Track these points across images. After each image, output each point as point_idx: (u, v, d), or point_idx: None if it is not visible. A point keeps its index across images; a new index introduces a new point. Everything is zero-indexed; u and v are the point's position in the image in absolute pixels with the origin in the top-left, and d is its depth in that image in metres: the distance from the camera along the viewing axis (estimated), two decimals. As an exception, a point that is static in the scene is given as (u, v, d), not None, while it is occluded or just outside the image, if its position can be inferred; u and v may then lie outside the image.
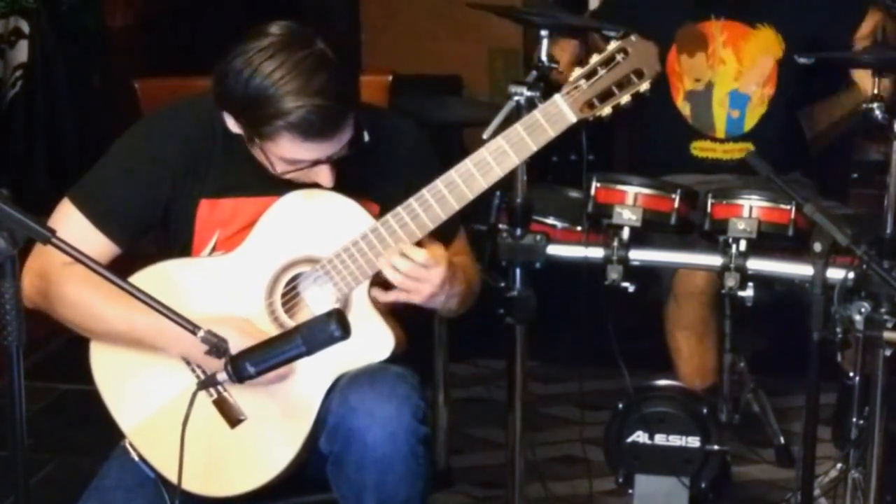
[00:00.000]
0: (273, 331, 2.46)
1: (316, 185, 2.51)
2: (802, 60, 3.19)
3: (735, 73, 3.73)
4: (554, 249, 2.90)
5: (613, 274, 2.90)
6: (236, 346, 2.25)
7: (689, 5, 3.76)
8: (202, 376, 2.48)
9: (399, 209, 2.47)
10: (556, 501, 3.56)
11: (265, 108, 2.38)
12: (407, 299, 2.50)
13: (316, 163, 2.44)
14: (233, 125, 2.48)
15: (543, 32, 2.87)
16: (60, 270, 2.47)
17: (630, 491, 3.21)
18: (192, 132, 2.56)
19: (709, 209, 3.02)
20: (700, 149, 3.76)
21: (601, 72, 2.50)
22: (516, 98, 2.73)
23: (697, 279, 3.43)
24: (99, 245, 2.50)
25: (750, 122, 3.74)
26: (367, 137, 2.49)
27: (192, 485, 2.44)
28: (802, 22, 3.68)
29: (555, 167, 4.22)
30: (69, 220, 2.51)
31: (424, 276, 2.47)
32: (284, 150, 2.42)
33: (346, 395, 2.43)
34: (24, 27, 5.17)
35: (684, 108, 3.76)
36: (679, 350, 3.53)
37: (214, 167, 2.56)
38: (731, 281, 2.89)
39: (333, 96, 2.38)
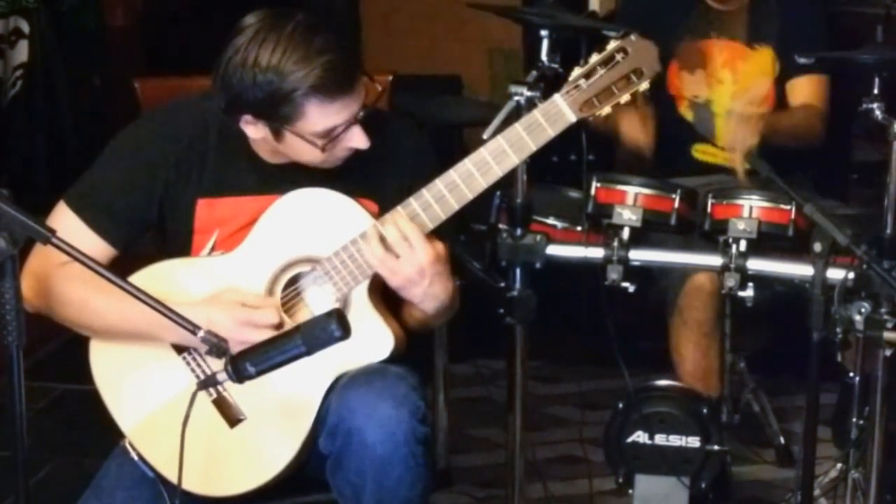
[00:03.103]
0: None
1: (317, 184, 2.51)
2: (802, 61, 3.20)
3: (731, 93, 3.74)
4: (554, 249, 2.90)
5: (613, 274, 2.90)
6: (234, 326, 2.36)
7: (692, 21, 3.76)
8: (202, 376, 2.48)
9: (399, 208, 2.47)
10: (556, 501, 3.56)
11: (281, 89, 2.38)
12: (387, 278, 2.47)
13: (347, 126, 2.44)
14: (253, 131, 2.48)
15: (543, 32, 2.87)
16: (56, 270, 2.48)
17: (630, 491, 3.21)
18: (185, 131, 2.56)
19: (709, 209, 3.02)
20: (702, 152, 3.76)
21: (601, 71, 2.50)
22: (516, 98, 2.73)
23: (703, 295, 3.43)
24: (94, 246, 2.50)
25: None
26: (378, 88, 2.50)
27: (191, 484, 2.44)
28: (801, 43, 3.68)
29: (555, 167, 4.21)
30: (64, 222, 2.51)
31: (407, 254, 2.45)
32: (316, 121, 2.42)
33: (346, 395, 2.43)
34: (24, 27, 5.17)
35: (687, 114, 3.76)
36: (684, 364, 3.51)
37: (210, 166, 2.56)
38: (731, 281, 2.89)
39: (338, 49, 2.41)
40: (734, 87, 3.74)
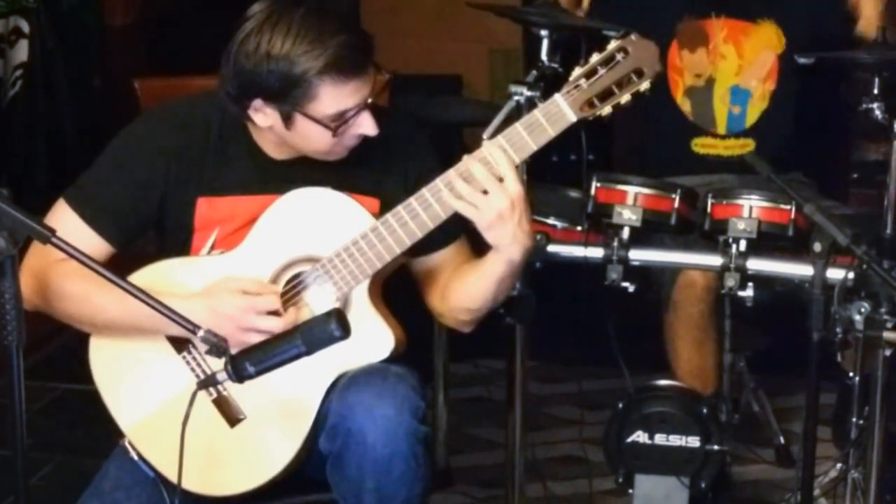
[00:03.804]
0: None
1: (318, 183, 2.51)
2: (802, 61, 3.19)
3: (736, 68, 3.73)
4: (554, 249, 2.90)
5: (613, 274, 2.91)
6: (238, 313, 2.38)
7: (691, 2, 3.75)
8: (201, 376, 2.48)
9: (399, 208, 2.47)
10: (556, 501, 3.56)
11: (295, 69, 2.39)
12: (474, 216, 2.43)
13: (358, 111, 2.44)
14: (262, 118, 2.48)
15: (543, 32, 2.87)
16: (55, 266, 2.47)
17: (630, 491, 3.21)
18: (185, 130, 2.56)
19: (709, 209, 3.02)
20: (701, 145, 3.76)
21: (601, 71, 2.50)
22: (516, 98, 2.74)
23: (697, 289, 3.43)
24: (93, 244, 2.50)
25: (751, 118, 3.73)
26: (386, 76, 2.50)
27: (191, 484, 2.44)
28: (803, 16, 3.68)
29: (555, 167, 4.21)
30: (64, 221, 2.51)
31: (496, 188, 2.41)
32: (329, 103, 2.42)
33: (346, 395, 2.43)
34: (24, 27, 5.17)
35: (684, 104, 3.75)
36: (678, 359, 3.52)
37: (209, 165, 2.56)
38: (731, 281, 2.89)
39: (351, 31, 2.43)
40: (739, 61, 3.73)
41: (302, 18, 2.40)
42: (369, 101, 2.46)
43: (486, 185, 2.42)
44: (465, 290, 2.57)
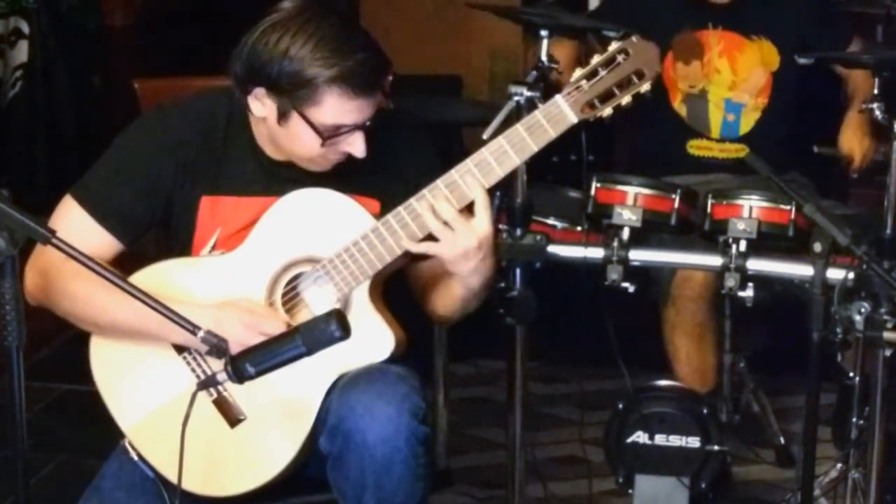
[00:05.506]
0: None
1: (319, 184, 2.51)
2: (803, 61, 3.20)
3: (729, 83, 3.75)
4: (554, 249, 2.90)
5: (613, 274, 2.90)
6: (241, 330, 2.36)
7: (688, 12, 3.77)
8: (202, 376, 2.48)
9: (400, 209, 2.47)
10: (556, 501, 3.56)
11: (307, 71, 2.39)
12: (437, 252, 2.47)
13: (352, 130, 2.45)
14: (259, 108, 2.47)
15: (543, 32, 2.87)
16: (62, 266, 2.47)
17: (630, 491, 3.21)
18: (192, 128, 2.57)
19: (709, 209, 3.02)
20: (696, 147, 3.77)
21: (602, 72, 2.50)
22: (516, 98, 2.73)
23: (695, 284, 3.43)
24: (102, 241, 2.51)
25: (745, 127, 3.76)
26: (391, 105, 2.51)
27: (191, 484, 2.44)
28: (798, 36, 3.69)
29: (555, 167, 4.21)
30: (71, 217, 2.51)
31: (463, 227, 2.45)
32: (330, 113, 2.42)
33: (346, 395, 2.43)
34: (24, 27, 5.18)
35: (681, 109, 3.77)
36: (677, 355, 3.53)
37: (215, 164, 2.56)
38: (731, 281, 2.88)
39: (373, 51, 2.43)
40: (732, 77, 3.75)
41: (330, 27, 2.41)
42: (367, 123, 2.46)
43: (453, 224, 2.44)
44: (435, 300, 2.62)
